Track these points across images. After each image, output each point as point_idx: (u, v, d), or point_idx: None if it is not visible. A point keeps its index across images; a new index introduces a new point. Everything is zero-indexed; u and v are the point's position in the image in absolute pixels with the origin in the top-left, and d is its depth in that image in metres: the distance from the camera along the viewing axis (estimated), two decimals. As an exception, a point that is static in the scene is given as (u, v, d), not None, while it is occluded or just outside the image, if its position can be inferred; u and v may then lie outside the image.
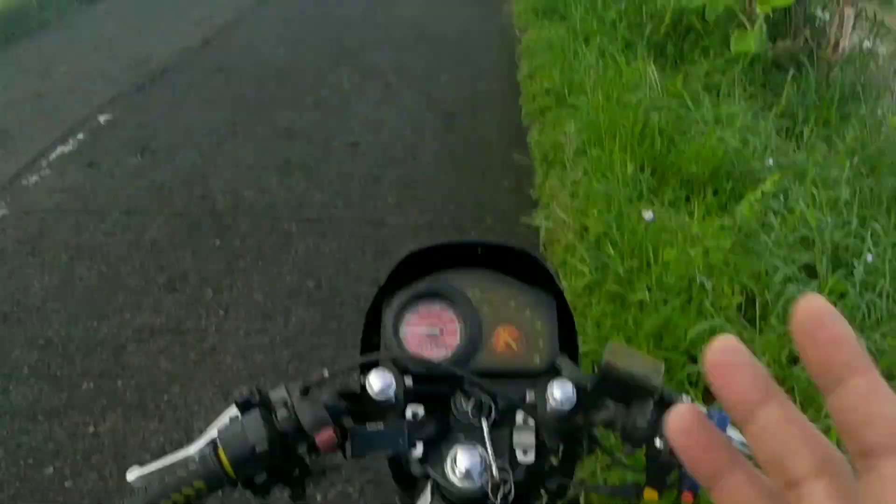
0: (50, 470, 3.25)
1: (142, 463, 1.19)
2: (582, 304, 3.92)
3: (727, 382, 0.38)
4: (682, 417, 0.40)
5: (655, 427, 1.12)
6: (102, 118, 6.77)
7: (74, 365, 3.81)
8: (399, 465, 1.33)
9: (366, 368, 1.21)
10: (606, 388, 1.15)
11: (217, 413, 1.20)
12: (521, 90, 7.73)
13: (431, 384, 1.25)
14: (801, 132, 5.78)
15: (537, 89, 7.24)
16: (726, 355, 0.38)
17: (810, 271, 4.04)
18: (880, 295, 3.71)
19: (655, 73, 6.20)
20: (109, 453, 3.32)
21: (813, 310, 0.36)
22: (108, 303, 4.27)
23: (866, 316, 3.60)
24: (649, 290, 3.71)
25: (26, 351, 3.89)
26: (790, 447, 0.37)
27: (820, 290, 3.63)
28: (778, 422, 0.38)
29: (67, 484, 3.20)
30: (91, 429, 3.45)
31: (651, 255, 3.95)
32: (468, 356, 1.28)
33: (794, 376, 3.25)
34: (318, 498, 3.16)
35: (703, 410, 0.41)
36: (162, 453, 1.19)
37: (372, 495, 3.19)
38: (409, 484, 1.49)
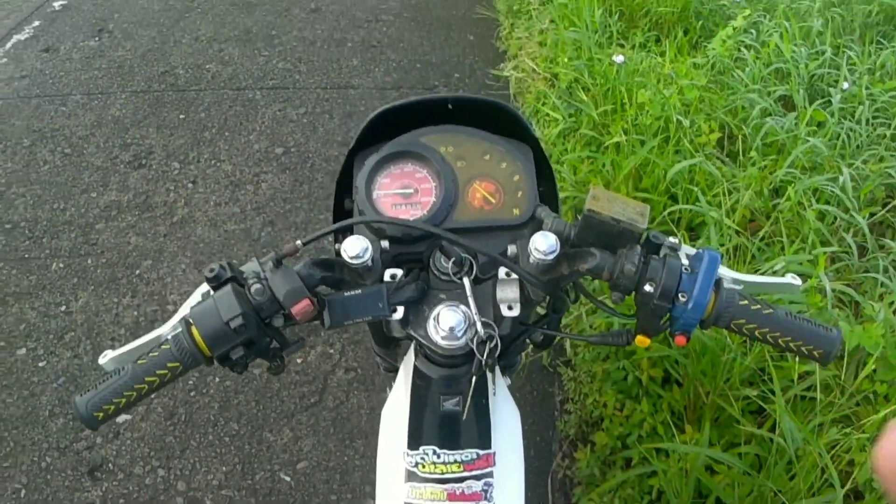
0: (22, 351, 3.22)
1: (115, 339, 1.15)
2: (557, 151, 3.86)
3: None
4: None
5: (644, 272, 1.08)
6: (57, 4, 6.55)
7: (42, 246, 3.74)
8: (380, 328, 1.33)
9: (341, 235, 1.21)
10: (590, 236, 1.13)
11: (189, 284, 1.16)
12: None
13: (408, 246, 1.23)
14: (770, -36, 5.65)
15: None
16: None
17: (787, 104, 3.98)
18: (859, 121, 3.66)
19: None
20: (83, 331, 3.28)
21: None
22: (74, 183, 4.19)
23: (846, 144, 3.54)
24: (625, 132, 3.63)
25: (-8, 235, 3.81)
26: None
27: (798, 121, 3.56)
28: None
29: (41, 364, 3.17)
30: (63, 308, 3.41)
31: (625, 98, 3.85)
32: (444, 214, 1.25)
33: (777, 208, 3.20)
34: (299, 360, 3.14)
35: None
36: (136, 327, 1.14)
37: (353, 355, 3.17)
38: (390, 345, 1.46)
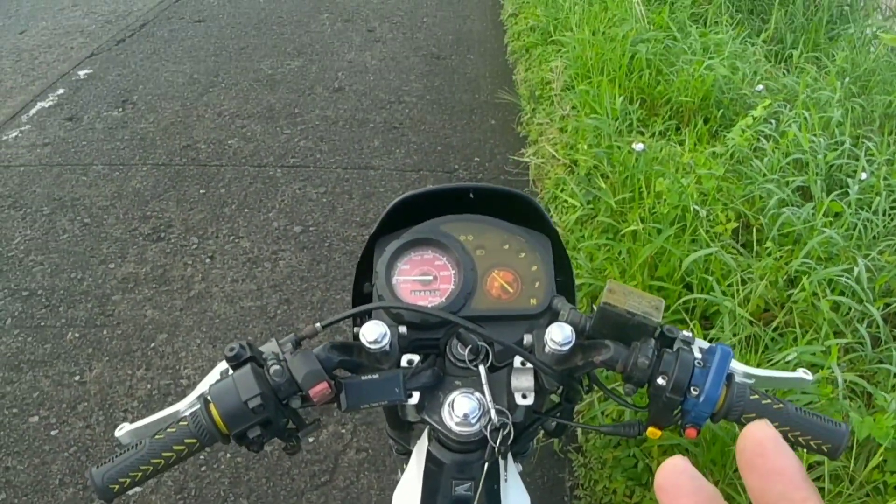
0: (35, 419, 3.22)
1: (128, 411, 1.16)
2: (574, 238, 3.87)
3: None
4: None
5: (657, 365, 1.09)
6: (82, 73, 6.68)
7: (59, 315, 3.76)
8: (395, 412, 1.35)
9: (359, 319, 1.22)
10: (605, 328, 1.14)
11: (204, 360, 1.18)
12: (505, 29, 7.69)
13: (426, 332, 1.25)
14: (791, 56, 5.75)
15: (522, 27, 7.21)
16: (674, 478, 0.38)
17: (805, 194, 3.99)
18: (876, 212, 3.66)
19: (641, 5, 6.11)
20: (96, 401, 3.28)
21: (757, 438, 0.37)
22: (92, 254, 4.22)
23: (863, 234, 3.55)
24: (642, 220, 3.65)
25: (9, 302, 3.85)
26: None
27: (815, 212, 3.58)
28: None
29: (53, 432, 3.16)
30: (77, 377, 3.42)
31: (643, 186, 3.87)
32: (462, 302, 1.27)
33: (791, 299, 3.20)
34: (311, 439, 3.13)
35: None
36: (149, 400, 1.16)
37: (365, 436, 3.16)
38: (404, 428, 1.47)
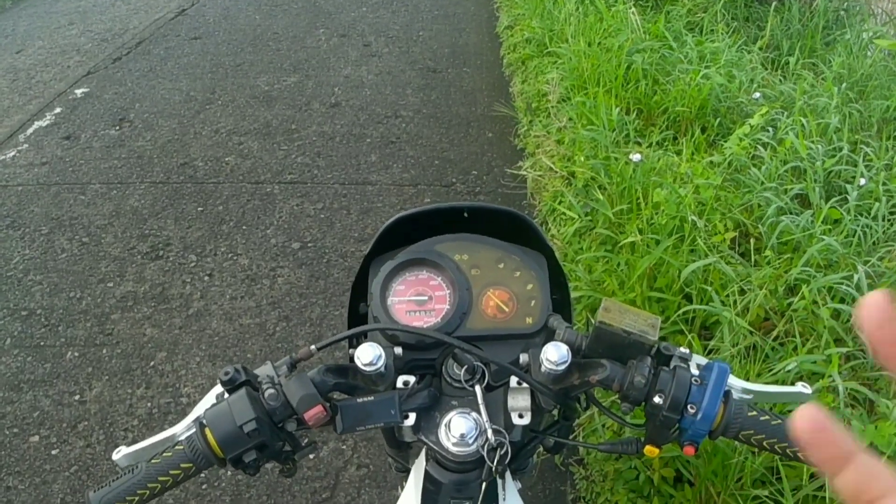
0: (35, 438, 3.22)
1: (128, 430, 1.16)
2: (573, 250, 3.86)
3: (816, 445, 0.44)
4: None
5: (654, 383, 1.08)
6: (79, 91, 6.70)
7: (58, 335, 3.77)
8: (392, 432, 1.32)
9: (355, 339, 1.21)
10: (601, 347, 1.12)
11: (203, 378, 1.17)
12: (501, 42, 7.71)
13: (421, 353, 1.23)
14: (787, 62, 5.73)
15: (518, 39, 7.20)
16: (813, 423, 0.44)
17: (803, 201, 3.99)
18: (875, 218, 3.65)
19: (637, 15, 6.12)
20: (96, 420, 3.28)
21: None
22: (91, 273, 4.23)
23: (862, 241, 3.54)
24: (640, 232, 3.63)
25: (9, 322, 3.85)
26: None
27: (814, 219, 3.57)
28: (865, 474, 0.43)
29: (54, 452, 3.16)
30: (77, 397, 3.41)
31: (641, 197, 3.87)
32: (458, 322, 1.25)
33: (791, 307, 3.19)
34: (311, 456, 3.11)
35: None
36: (149, 419, 1.15)
37: (365, 452, 3.15)
38: (402, 447, 1.46)
